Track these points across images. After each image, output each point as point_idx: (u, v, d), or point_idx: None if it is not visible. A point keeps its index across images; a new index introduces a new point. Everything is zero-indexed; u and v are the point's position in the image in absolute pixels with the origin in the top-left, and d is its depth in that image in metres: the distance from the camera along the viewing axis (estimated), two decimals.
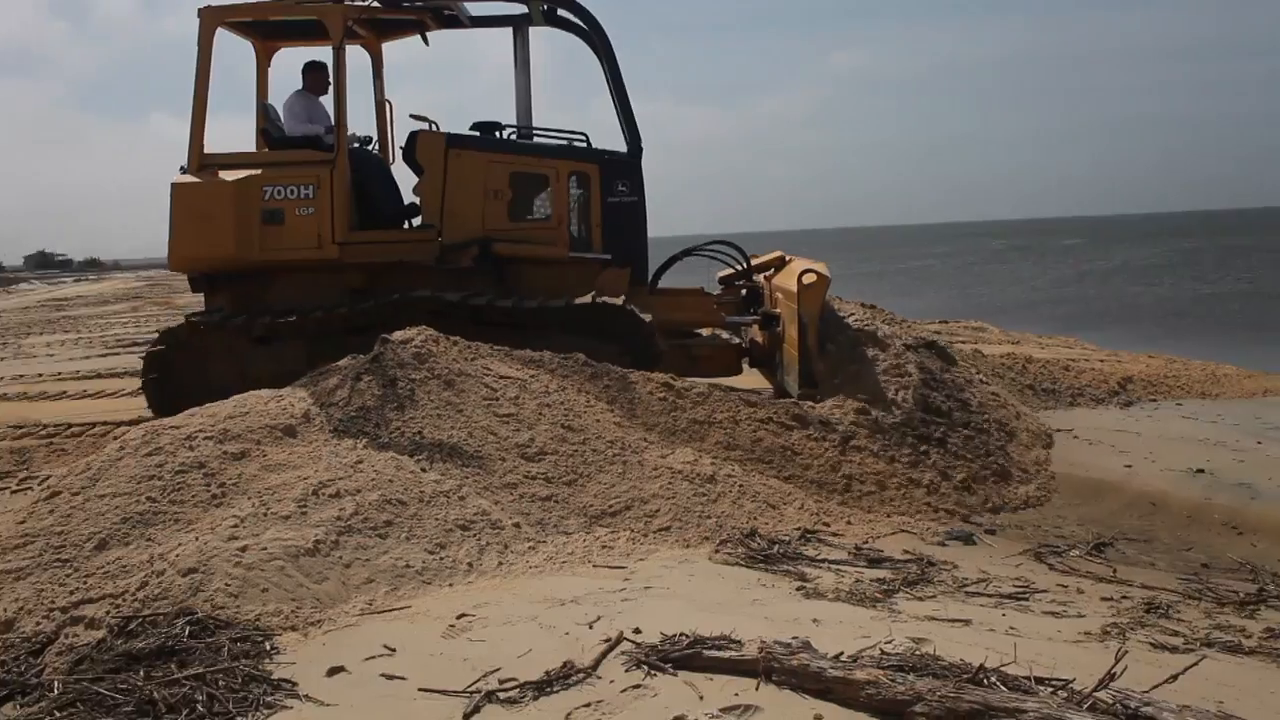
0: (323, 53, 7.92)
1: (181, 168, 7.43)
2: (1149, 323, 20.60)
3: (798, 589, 4.00)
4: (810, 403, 6.14)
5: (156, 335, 7.72)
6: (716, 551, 4.50)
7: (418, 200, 7.68)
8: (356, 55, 8.18)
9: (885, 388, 6.12)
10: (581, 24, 7.87)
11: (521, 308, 7.09)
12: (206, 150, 7.43)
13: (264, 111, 8.02)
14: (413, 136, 7.62)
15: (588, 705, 2.88)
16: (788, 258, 8.06)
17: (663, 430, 5.69)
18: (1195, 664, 3.00)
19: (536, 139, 7.93)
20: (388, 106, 8.72)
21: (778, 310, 7.43)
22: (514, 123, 8.10)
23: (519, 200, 7.58)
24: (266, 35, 8.09)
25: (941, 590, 4.06)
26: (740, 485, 5.16)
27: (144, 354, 7.65)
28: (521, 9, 8.02)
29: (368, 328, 6.76)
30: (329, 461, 4.71)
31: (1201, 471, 6.10)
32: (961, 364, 7.27)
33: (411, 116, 7.83)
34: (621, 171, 7.58)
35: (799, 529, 4.86)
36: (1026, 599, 4.02)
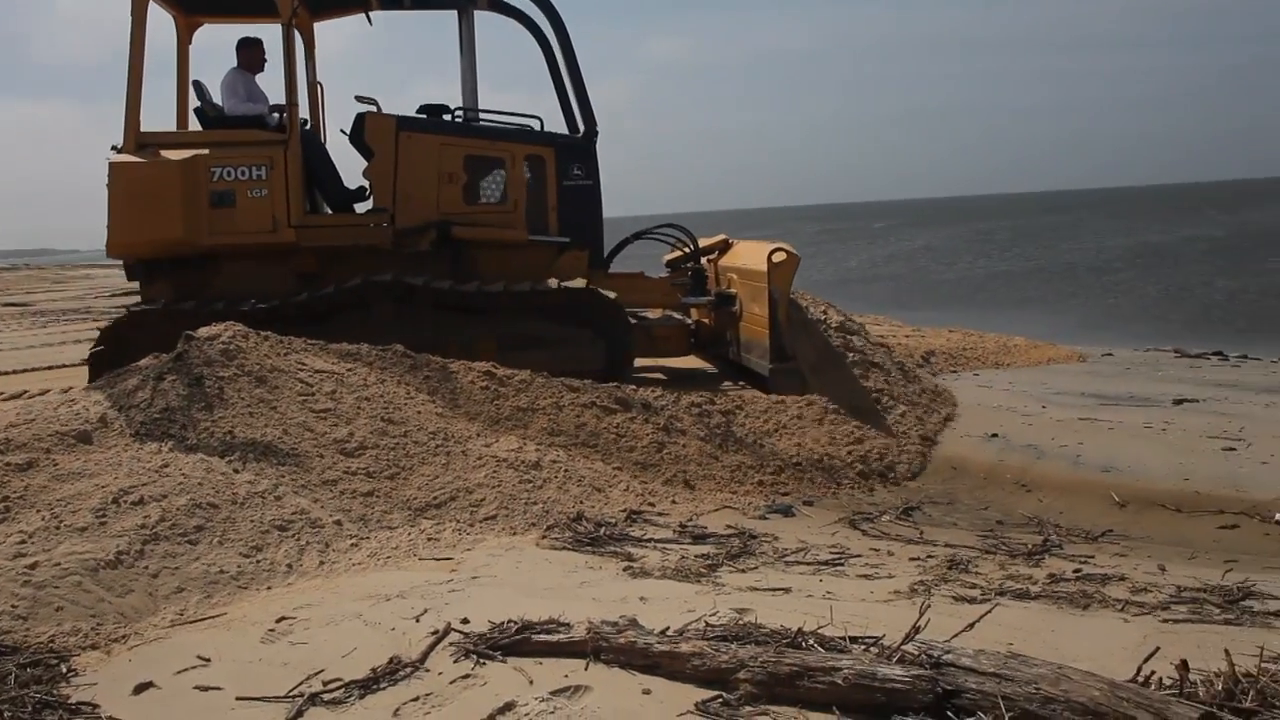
0: (250, 29, 7.60)
1: (114, 147, 6.95)
2: (949, 299, 21.96)
3: (625, 569, 4.06)
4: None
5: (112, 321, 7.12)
6: (544, 537, 4.51)
7: (366, 184, 7.42)
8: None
9: (887, 414, 6.62)
10: (533, 7, 7.69)
11: (513, 292, 6.95)
12: (143, 129, 6.96)
13: (197, 89, 7.55)
14: (360, 118, 7.35)
15: (416, 699, 2.83)
16: (731, 241, 8.23)
17: (486, 419, 5.65)
18: (989, 611, 3.23)
19: (488, 122, 7.75)
20: (319, 88, 8.40)
21: (733, 290, 7.56)
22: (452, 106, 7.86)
23: (473, 183, 7.45)
24: (191, 9, 7.58)
25: (763, 561, 4.21)
26: (565, 470, 5.19)
27: (99, 328, 7.17)
28: None
29: (332, 314, 6.71)
30: (130, 467, 4.43)
31: (995, 436, 6.57)
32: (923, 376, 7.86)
33: (357, 99, 7.56)
34: (576, 155, 7.53)
35: (625, 510, 4.94)
36: (842, 564, 4.22)
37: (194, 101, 7.57)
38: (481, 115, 7.76)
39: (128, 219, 6.77)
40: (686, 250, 8.18)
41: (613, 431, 5.76)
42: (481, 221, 7.31)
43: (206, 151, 6.89)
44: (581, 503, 4.97)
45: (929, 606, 3.10)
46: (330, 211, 7.48)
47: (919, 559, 4.34)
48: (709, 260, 8.20)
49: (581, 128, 7.64)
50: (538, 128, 7.64)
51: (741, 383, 7.22)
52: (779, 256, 6.73)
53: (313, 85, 8.30)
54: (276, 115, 7.29)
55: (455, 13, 7.85)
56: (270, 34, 7.57)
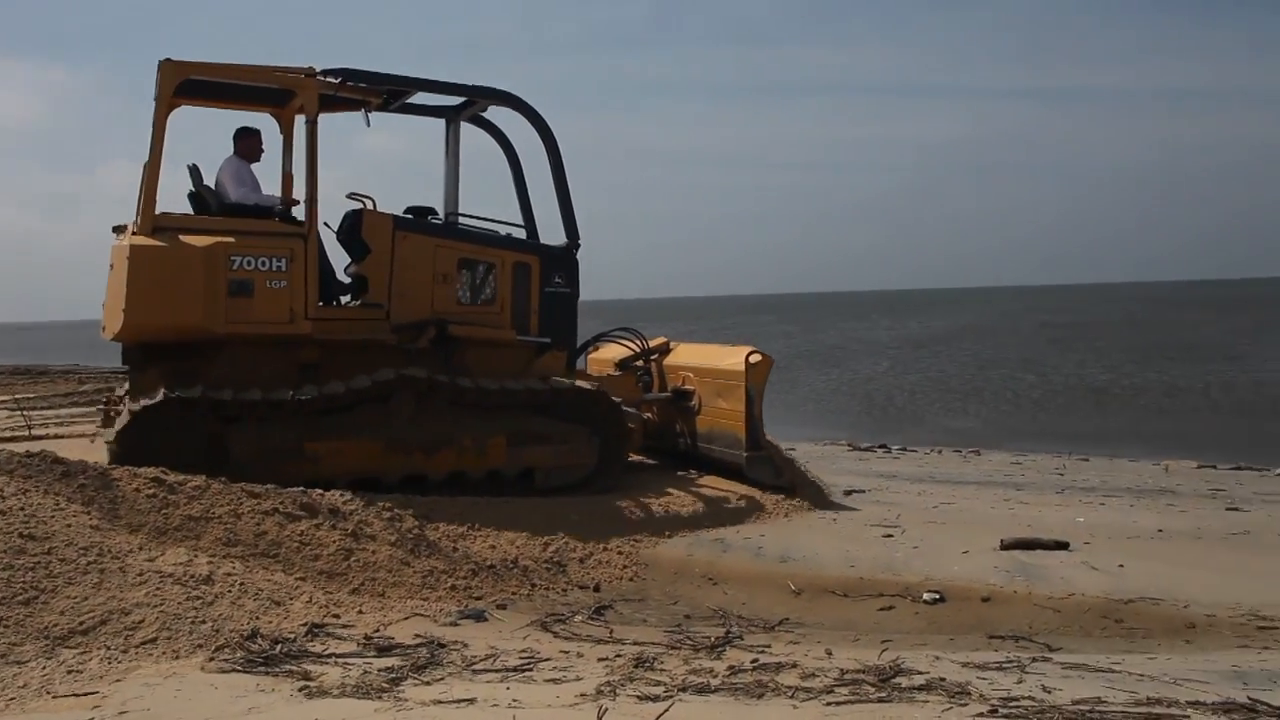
0: (245, 118, 7.68)
1: (116, 228, 6.93)
2: None
3: (300, 689, 3.78)
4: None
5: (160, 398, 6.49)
6: (211, 659, 4.12)
7: (349, 278, 7.54)
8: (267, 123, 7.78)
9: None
10: (523, 120, 7.90)
11: (549, 388, 7.29)
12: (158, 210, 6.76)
13: (193, 174, 7.39)
14: (355, 215, 7.45)
15: None
16: (671, 344, 8.96)
17: (151, 530, 5.16)
18: (668, 709, 3.30)
19: (477, 227, 8.03)
20: (292, 180, 8.12)
21: (689, 387, 8.25)
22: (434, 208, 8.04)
23: (465, 285, 7.72)
24: (177, 91, 6.94)
25: (449, 672, 4.07)
26: (241, 583, 4.81)
27: (131, 412, 6.53)
28: (456, 101, 8.08)
29: (352, 407, 6.78)
30: None
31: (685, 532, 6.82)
32: None
33: (349, 196, 7.58)
34: (559, 265, 7.92)
35: (306, 624, 4.63)
36: (531, 669, 4.16)
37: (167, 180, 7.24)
38: (464, 219, 8.06)
39: (145, 302, 6.59)
40: (635, 350, 8.78)
41: (296, 540, 5.44)
42: (472, 320, 7.60)
43: (231, 240, 6.78)
44: (257, 618, 4.61)
45: (606, 710, 3.11)
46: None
47: (607, 659, 4.36)
48: (652, 361, 8.84)
49: (564, 239, 7.99)
50: (526, 235, 8.08)
51: (693, 470, 8.08)
52: (755, 358, 7.62)
53: (288, 176, 8.18)
54: (283, 207, 7.34)
55: (444, 121, 8.29)
56: (261, 121, 7.74)
